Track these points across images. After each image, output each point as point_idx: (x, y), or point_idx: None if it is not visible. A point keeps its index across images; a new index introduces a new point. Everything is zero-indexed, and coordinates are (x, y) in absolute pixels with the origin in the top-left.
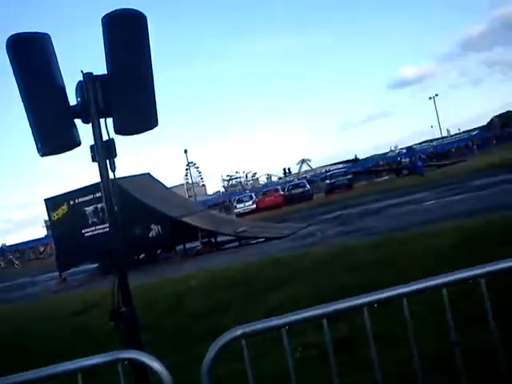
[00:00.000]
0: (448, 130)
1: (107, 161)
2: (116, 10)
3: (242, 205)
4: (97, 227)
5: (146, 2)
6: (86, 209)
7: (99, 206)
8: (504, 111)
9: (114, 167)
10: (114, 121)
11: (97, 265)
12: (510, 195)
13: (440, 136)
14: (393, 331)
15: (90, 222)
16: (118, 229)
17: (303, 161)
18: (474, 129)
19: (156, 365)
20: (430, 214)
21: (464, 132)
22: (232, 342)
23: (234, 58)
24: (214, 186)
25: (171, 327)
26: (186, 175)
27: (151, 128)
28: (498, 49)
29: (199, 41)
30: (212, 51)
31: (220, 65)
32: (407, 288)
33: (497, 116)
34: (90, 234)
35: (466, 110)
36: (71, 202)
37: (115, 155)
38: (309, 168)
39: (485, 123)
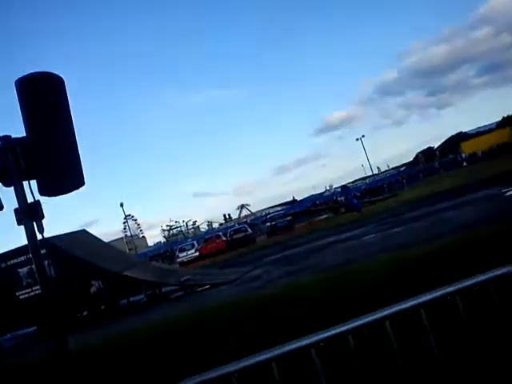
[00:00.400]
0: (378, 168)
1: (34, 223)
2: (28, 74)
3: (185, 253)
4: (33, 288)
5: (68, 62)
6: (20, 270)
7: (34, 266)
8: (426, 147)
9: (42, 229)
10: (38, 183)
11: (35, 328)
12: (439, 225)
13: (371, 173)
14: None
15: (24, 283)
16: (50, 289)
17: (242, 206)
18: (402, 165)
19: None
20: (372, 247)
21: (393, 168)
22: None
23: (166, 109)
24: (154, 237)
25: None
26: (125, 228)
27: (77, 188)
28: (410, 93)
29: (129, 95)
30: (142, 104)
31: (152, 116)
32: (352, 324)
33: (421, 152)
34: (26, 296)
35: (392, 148)
36: (2, 264)
37: (42, 217)
38: (248, 212)
39: (411, 159)
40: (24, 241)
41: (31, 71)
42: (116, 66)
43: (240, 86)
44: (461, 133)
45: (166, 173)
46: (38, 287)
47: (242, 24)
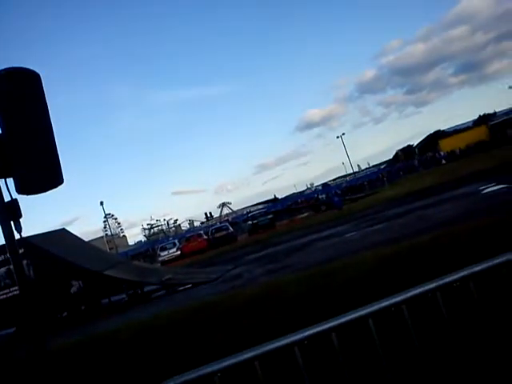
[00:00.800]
0: (358, 165)
1: (11, 222)
2: (3, 69)
3: (166, 252)
4: (11, 289)
5: (45, 57)
6: None
7: (11, 266)
8: (405, 145)
9: (20, 228)
10: (15, 181)
11: (13, 330)
12: (418, 222)
13: (352, 171)
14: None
15: (1, 284)
16: (28, 290)
17: (224, 204)
18: (383, 162)
19: None
20: (353, 244)
21: (373, 166)
22: None
23: (147, 106)
24: (135, 236)
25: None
26: (105, 227)
27: (56, 186)
28: (389, 91)
29: (110, 91)
30: (122, 101)
31: (133, 114)
32: (335, 322)
33: (400, 149)
34: (4, 297)
35: (372, 146)
36: None
37: (20, 215)
38: (230, 211)
39: (391, 157)
40: (1, 241)
41: (5, 67)
42: (96, 61)
43: (221, 83)
44: (439, 131)
45: (146, 171)
46: (16, 288)
47: (223, 20)
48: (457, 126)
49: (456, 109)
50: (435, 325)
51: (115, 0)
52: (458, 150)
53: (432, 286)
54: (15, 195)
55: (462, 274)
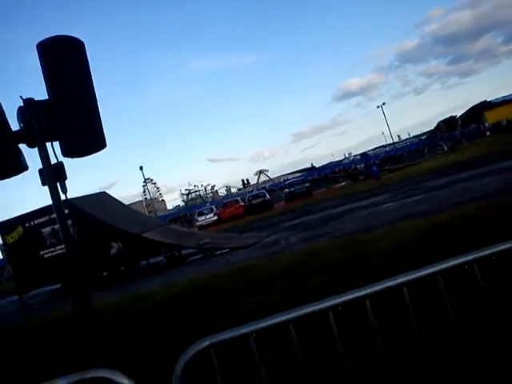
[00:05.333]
0: (399, 136)
1: (57, 183)
2: (50, 38)
3: (204, 217)
4: (56, 248)
5: (85, 29)
6: (43, 230)
7: (56, 226)
8: (448, 116)
9: (66, 189)
10: (60, 144)
11: (59, 285)
12: (458, 194)
13: (392, 141)
14: (359, 332)
15: (48, 243)
16: (74, 249)
17: (261, 171)
18: (423, 133)
19: (125, 381)
20: (390, 215)
21: (414, 137)
22: (199, 354)
23: (186, 74)
24: (173, 200)
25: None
26: (144, 191)
27: (99, 150)
28: (432, 61)
29: (150, 59)
30: (162, 69)
31: (172, 81)
32: (369, 289)
33: (442, 121)
34: (50, 255)
35: (413, 117)
36: (27, 225)
37: (65, 177)
38: (267, 178)
39: (432, 128)
40: (45, 202)
41: (51, 35)
42: (137, 30)
43: (258, 51)
44: (485, 101)
45: (184, 138)
46: (61, 246)
47: None
48: (505, 96)
49: (504, 79)
50: (472, 297)
51: None
52: (504, 122)
53: (470, 257)
54: (61, 158)
55: (502, 247)
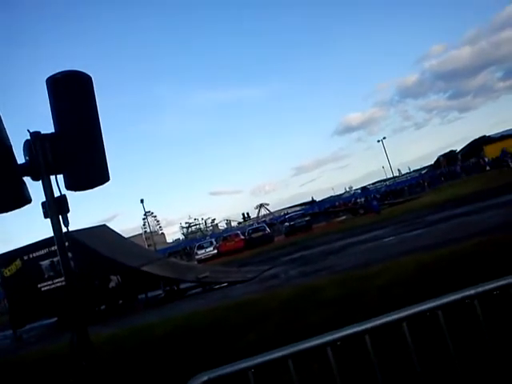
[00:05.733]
0: (399, 170)
1: (60, 216)
2: (60, 72)
3: (203, 251)
4: (54, 281)
5: (89, 60)
6: (42, 263)
7: (55, 259)
8: (448, 150)
9: (67, 222)
10: (64, 177)
11: (55, 319)
12: (458, 229)
13: (392, 176)
14: (357, 367)
15: (46, 276)
16: (74, 282)
17: (261, 205)
18: (424, 167)
19: None
20: (390, 249)
21: (414, 171)
22: None
23: (187, 108)
24: (173, 234)
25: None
26: (144, 224)
27: (102, 183)
28: (432, 96)
29: (151, 92)
30: (162, 102)
31: (173, 115)
32: (368, 324)
33: (442, 155)
34: (47, 288)
35: (413, 151)
36: (25, 257)
37: (68, 210)
38: (267, 212)
39: (432, 162)
40: (45, 234)
41: (60, 70)
42: (141, 63)
43: (260, 85)
44: (484, 136)
45: (185, 171)
46: (59, 279)
47: (265, 24)
48: (504, 131)
49: (503, 114)
50: (471, 332)
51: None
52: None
53: (471, 292)
54: (64, 191)
55: (502, 282)
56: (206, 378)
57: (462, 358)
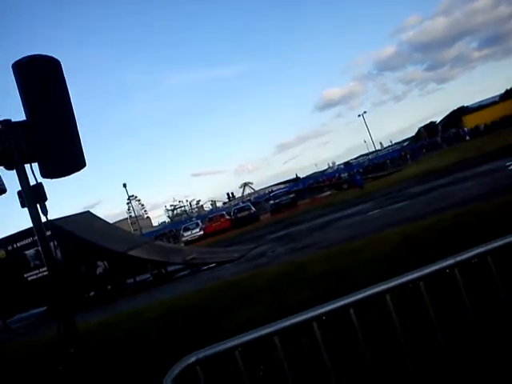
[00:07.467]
0: (381, 143)
1: (38, 205)
2: (26, 57)
3: (190, 232)
4: (40, 270)
5: (58, 43)
6: (27, 252)
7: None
8: (428, 122)
9: (46, 211)
10: (39, 165)
11: (44, 308)
12: (440, 200)
13: (374, 149)
14: (344, 340)
15: (32, 265)
16: (56, 271)
17: (245, 184)
18: (405, 140)
19: None
20: (375, 222)
21: (396, 143)
22: (186, 369)
23: (165, 88)
24: (159, 217)
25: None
26: (129, 209)
27: (78, 169)
28: (409, 68)
29: (128, 74)
30: (141, 83)
31: (151, 96)
32: (352, 298)
33: (423, 127)
34: (34, 277)
35: (394, 124)
36: (9, 247)
37: (45, 199)
38: (252, 191)
39: (413, 134)
40: (24, 224)
41: (27, 54)
42: (114, 44)
43: (239, 63)
44: (463, 107)
45: (166, 153)
46: (45, 268)
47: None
48: (482, 101)
49: (480, 84)
50: (452, 302)
51: None
52: (482, 126)
53: (450, 262)
54: (40, 179)
55: (479, 250)
56: (193, 359)
57: (444, 327)
